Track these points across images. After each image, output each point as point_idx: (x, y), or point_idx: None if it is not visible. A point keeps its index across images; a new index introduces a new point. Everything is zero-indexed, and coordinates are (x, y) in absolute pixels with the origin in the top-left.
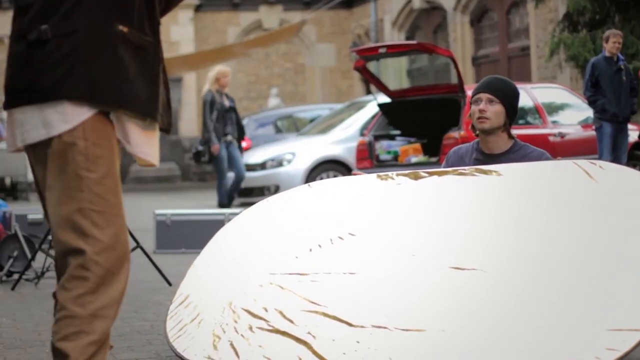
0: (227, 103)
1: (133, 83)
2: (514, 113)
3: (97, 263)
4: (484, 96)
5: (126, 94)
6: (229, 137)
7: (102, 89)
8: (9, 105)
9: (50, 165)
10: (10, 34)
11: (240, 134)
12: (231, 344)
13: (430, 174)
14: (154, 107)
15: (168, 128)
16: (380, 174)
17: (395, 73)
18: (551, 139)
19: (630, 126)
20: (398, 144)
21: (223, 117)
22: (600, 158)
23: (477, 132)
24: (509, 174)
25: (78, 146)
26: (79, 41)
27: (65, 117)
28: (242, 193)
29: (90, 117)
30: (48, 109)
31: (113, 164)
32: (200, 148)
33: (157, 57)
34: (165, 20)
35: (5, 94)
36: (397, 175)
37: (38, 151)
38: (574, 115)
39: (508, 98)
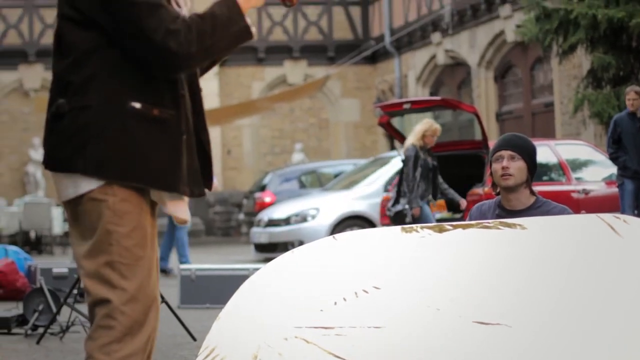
0: (430, 161)
1: (146, 157)
2: (534, 169)
3: (123, 313)
4: (506, 153)
5: (136, 169)
6: (430, 198)
7: (110, 164)
8: (45, 165)
9: (81, 220)
10: None
11: (435, 194)
12: None
13: (455, 227)
14: (174, 179)
15: (201, 196)
16: (405, 226)
17: None
18: (575, 195)
19: None
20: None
21: (426, 177)
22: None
23: (499, 190)
24: (533, 228)
25: (107, 202)
26: (91, 116)
27: (90, 181)
28: (266, 248)
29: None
30: (76, 174)
31: (142, 219)
32: (400, 207)
33: (179, 128)
34: None
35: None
36: (422, 228)
37: (72, 207)
38: (598, 171)
39: (529, 154)
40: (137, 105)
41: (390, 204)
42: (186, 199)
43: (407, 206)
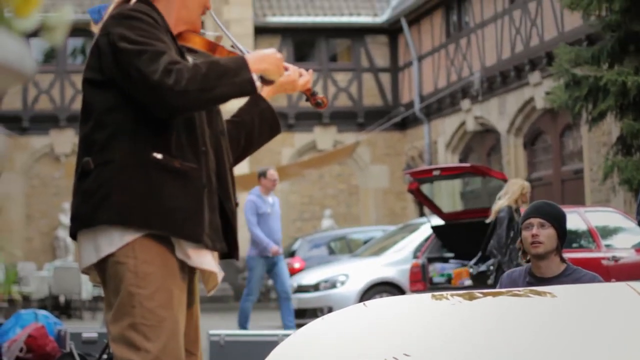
0: None
1: (169, 206)
2: (564, 236)
3: None
4: (535, 221)
5: (159, 217)
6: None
7: (133, 213)
8: (70, 232)
9: (107, 285)
10: None
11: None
12: None
13: (485, 294)
14: (197, 228)
15: (222, 251)
16: (435, 293)
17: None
18: (605, 263)
19: None
20: (451, 267)
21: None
22: None
23: (529, 257)
24: (563, 296)
25: (128, 264)
26: (114, 170)
27: (112, 240)
28: (295, 314)
29: (138, 238)
30: (98, 234)
31: (165, 280)
32: (484, 268)
33: (200, 182)
34: None
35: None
36: (452, 295)
37: (98, 273)
38: (628, 239)
39: (558, 221)
40: (159, 156)
41: (473, 262)
42: (215, 255)
43: (492, 267)
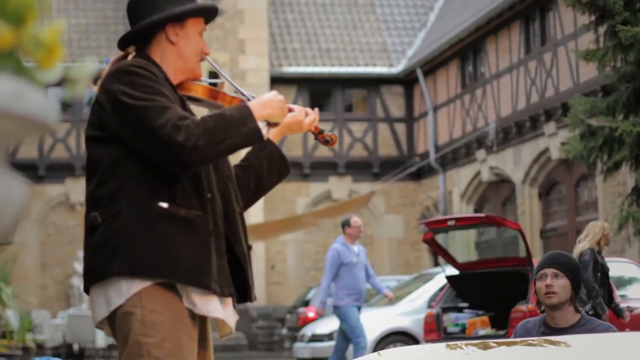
0: (607, 265)
1: (177, 254)
2: (578, 286)
3: None
4: (549, 271)
5: (167, 265)
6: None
7: (142, 263)
8: (83, 289)
9: (117, 335)
10: None
11: (610, 299)
12: None
13: (499, 344)
14: (205, 276)
15: (232, 297)
16: (450, 343)
17: (464, 245)
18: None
19: None
20: (466, 317)
21: (604, 282)
22: None
23: (543, 308)
24: (578, 345)
25: (135, 314)
26: (122, 222)
27: (120, 292)
28: None
29: (146, 288)
30: (108, 287)
31: (174, 329)
32: None
33: (207, 229)
34: None
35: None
36: (466, 345)
37: (110, 325)
38: None
39: (572, 271)
40: (164, 205)
41: None
42: (228, 301)
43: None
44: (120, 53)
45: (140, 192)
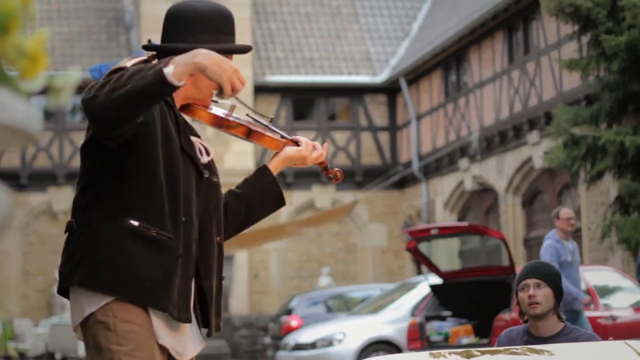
0: None
1: (137, 273)
2: (560, 295)
3: None
4: (531, 282)
5: (126, 283)
6: None
7: (101, 278)
8: (57, 290)
9: (88, 343)
10: None
11: None
12: None
13: (483, 352)
14: (163, 299)
15: (187, 322)
16: (433, 351)
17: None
18: (602, 322)
19: None
20: (449, 325)
21: None
22: None
23: (526, 318)
24: (561, 354)
25: (107, 323)
26: (90, 233)
27: (93, 300)
28: None
29: (115, 299)
30: (80, 295)
31: (146, 338)
32: None
33: (175, 252)
34: None
35: None
36: (450, 353)
37: (83, 332)
38: (625, 298)
39: (554, 280)
40: (135, 223)
41: None
42: (184, 332)
43: None
44: (143, 57)
45: (115, 206)
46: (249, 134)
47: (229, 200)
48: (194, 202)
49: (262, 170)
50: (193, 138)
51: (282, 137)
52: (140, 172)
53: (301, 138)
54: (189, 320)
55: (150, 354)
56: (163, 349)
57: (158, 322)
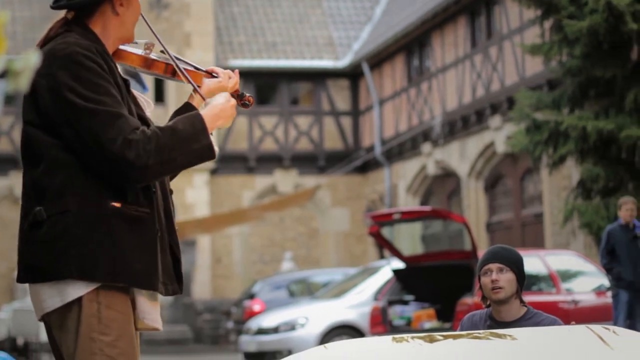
0: None
1: (128, 257)
2: (523, 279)
3: None
4: (494, 266)
5: (120, 269)
6: None
7: (94, 266)
8: (20, 279)
9: (66, 328)
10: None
11: None
12: None
13: (445, 337)
14: (153, 278)
15: (175, 294)
16: (396, 336)
17: (409, 239)
18: (564, 306)
19: None
20: (411, 310)
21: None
22: (615, 325)
23: (489, 303)
24: (524, 338)
25: (91, 309)
26: (71, 221)
27: (78, 286)
28: (255, 357)
29: (102, 284)
30: (61, 281)
31: (127, 327)
32: None
33: (154, 227)
34: (180, 183)
35: (17, 268)
36: (412, 337)
37: (55, 317)
38: (587, 282)
39: (517, 265)
40: (117, 204)
41: None
42: (158, 303)
43: None
44: (59, 18)
45: (91, 188)
46: (174, 72)
47: None
48: None
49: (187, 106)
50: (133, 92)
51: (199, 70)
52: None
53: (216, 68)
54: (176, 292)
55: (130, 345)
56: (137, 335)
57: (143, 301)
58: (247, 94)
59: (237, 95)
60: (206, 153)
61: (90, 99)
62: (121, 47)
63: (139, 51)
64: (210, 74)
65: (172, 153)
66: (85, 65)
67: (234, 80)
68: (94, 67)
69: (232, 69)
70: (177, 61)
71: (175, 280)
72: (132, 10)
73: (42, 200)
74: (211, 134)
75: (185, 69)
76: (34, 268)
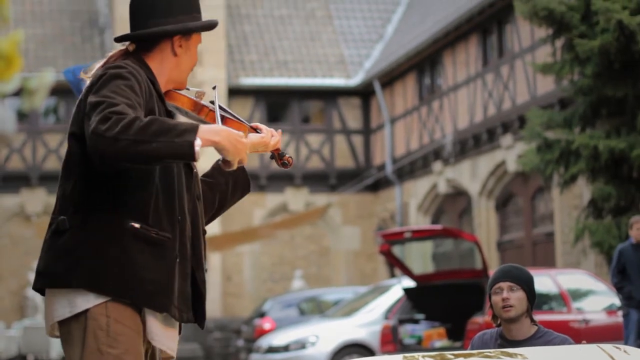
0: None
1: (141, 276)
2: (534, 298)
3: None
4: (505, 285)
5: (130, 286)
6: None
7: (104, 280)
8: (35, 284)
9: (72, 340)
10: None
11: None
12: None
13: (456, 356)
14: (165, 300)
15: (189, 322)
16: (406, 354)
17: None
18: (575, 325)
19: None
20: (422, 328)
21: None
22: (626, 344)
23: (499, 321)
24: (534, 357)
25: (99, 322)
26: (90, 234)
27: (88, 298)
28: None
29: (112, 299)
30: (73, 290)
31: (135, 342)
32: None
33: (174, 252)
34: None
35: (35, 274)
36: (423, 356)
37: (63, 329)
38: (598, 301)
39: (527, 284)
40: (136, 225)
41: None
42: (176, 331)
43: None
44: (120, 48)
45: (114, 206)
46: (221, 121)
47: (204, 190)
48: (185, 198)
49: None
50: None
51: (243, 123)
52: (136, 172)
53: (260, 125)
54: (190, 320)
55: (136, 357)
56: (147, 351)
57: (154, 323)
58: (287, 155)
59: (278, 154)
60: (186, 150)
61: (104, 95)
62: (174, 90)
63: (191, 95)
64: (255, 130)
65: (150, 136)
66: (123, 77)
67: (276, 139)
68: (130, 83)
69: (276, 129)
70: (224, 112)
71: (191, 310)
72: (189, 55)
73: (67, 211)
74: (222, 161)
75: (233, 120)
76: (49, 274)
